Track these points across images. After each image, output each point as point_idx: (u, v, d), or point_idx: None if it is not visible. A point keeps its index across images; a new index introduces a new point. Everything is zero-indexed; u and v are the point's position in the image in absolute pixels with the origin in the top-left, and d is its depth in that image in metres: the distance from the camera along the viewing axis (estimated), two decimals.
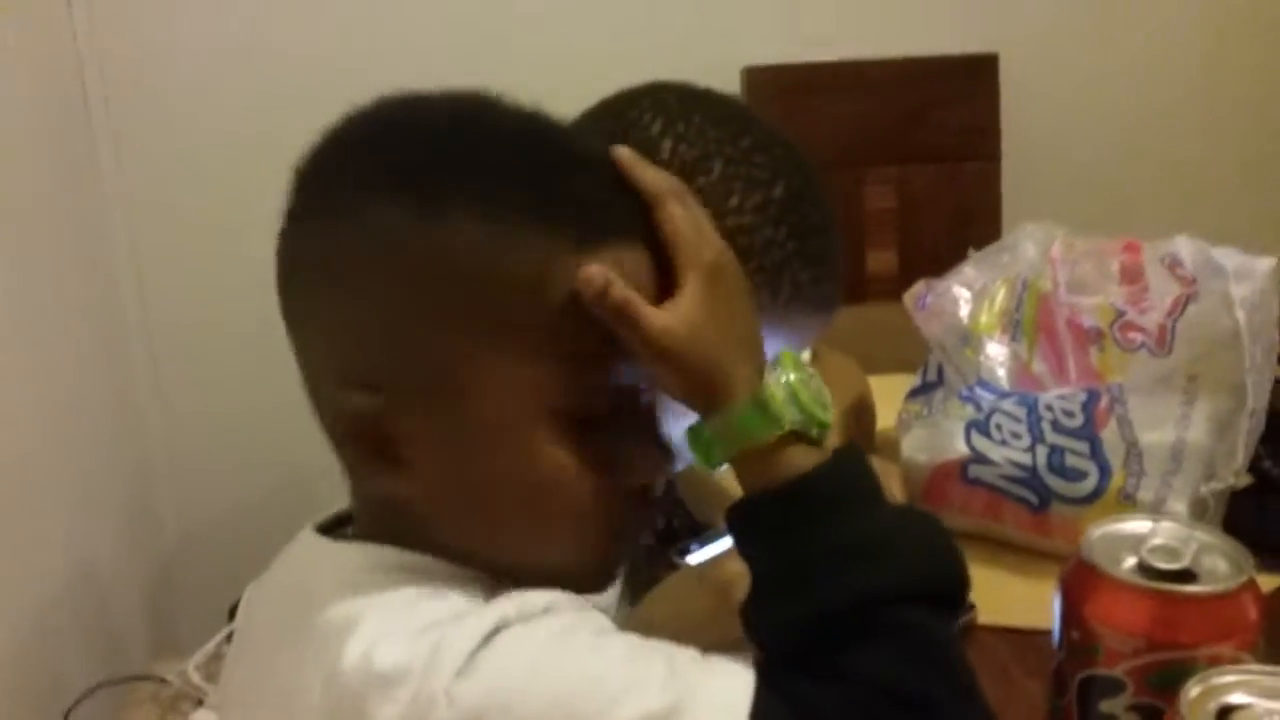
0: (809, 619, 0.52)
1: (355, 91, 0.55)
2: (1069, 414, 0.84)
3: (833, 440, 0.98)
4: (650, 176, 0.56)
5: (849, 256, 2.37)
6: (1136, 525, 0.59)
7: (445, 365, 0.52)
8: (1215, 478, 0.81)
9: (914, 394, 0.96)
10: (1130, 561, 0.57)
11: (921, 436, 0.92)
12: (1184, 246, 0.79)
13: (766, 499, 0.54)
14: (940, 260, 0.96)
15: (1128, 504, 0.82)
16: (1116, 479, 0.83)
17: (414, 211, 0.51)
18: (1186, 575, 0.56)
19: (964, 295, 0.86)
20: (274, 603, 0.57)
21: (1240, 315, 0.77)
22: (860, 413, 1.03)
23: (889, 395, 1.01)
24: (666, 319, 0.53)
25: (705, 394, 0.54)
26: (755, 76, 1.89)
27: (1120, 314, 0.78)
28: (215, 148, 1.63)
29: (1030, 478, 0.86)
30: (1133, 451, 0.83)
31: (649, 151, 0.69)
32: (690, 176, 0.68)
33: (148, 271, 1.61)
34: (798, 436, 0.53)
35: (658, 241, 0.55)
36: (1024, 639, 0.77)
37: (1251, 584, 0.55)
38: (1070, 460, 0.85)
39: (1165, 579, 0.56)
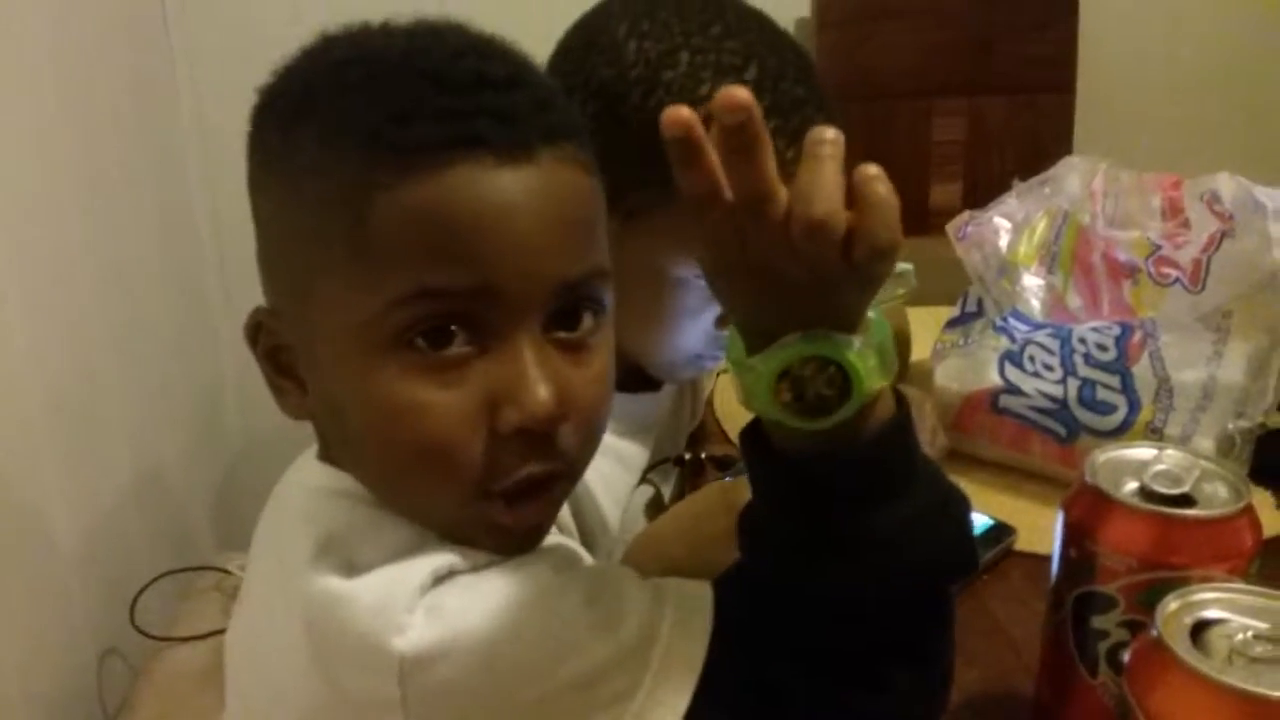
0: (810, 591, 0.51)
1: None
2: (1102, 347, 0.85)
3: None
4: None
5: (913, 189, 2.32)
6: (1141, 451, 0.60)
7: (297, 285, 0.52)
8: (1244, 416, 0.81)
9: (952, 324, 0.96)
10: (1132, 485, 0.58)
11: (956, 366, 0.93)
12: (1224, 183, 0.79)
13: (799, 464, 0.51)
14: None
15: (1154, 438, 0.83)
16: (1145, 413, 0.83)
17: (280, 133, 0.52)
18: (1186, 500, 0.57)
19: (1005, 226, 0.87)
20: (270, 507, 0.59)
21: (1278, 254, 0.76)
22: (895, 344, 1.04)
23: (933, 326, 1.02)
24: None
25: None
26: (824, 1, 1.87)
27: (1156, 248, 0.78)
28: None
29: (1060, 409, 0.87)
30: (1163, 387, 0.83)
31: (615, 55, 0.72)
32: (657, 72, 0.69)
33: (220, 184, 1.65)
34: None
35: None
36: (1042, 564, 0.79)
37: (1248, 511, 0.56)
38: (1101, 394, 0.85)
39: (1164, 503, 0.57)
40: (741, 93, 0.44)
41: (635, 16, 0.74)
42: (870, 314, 0.50)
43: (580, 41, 0.75)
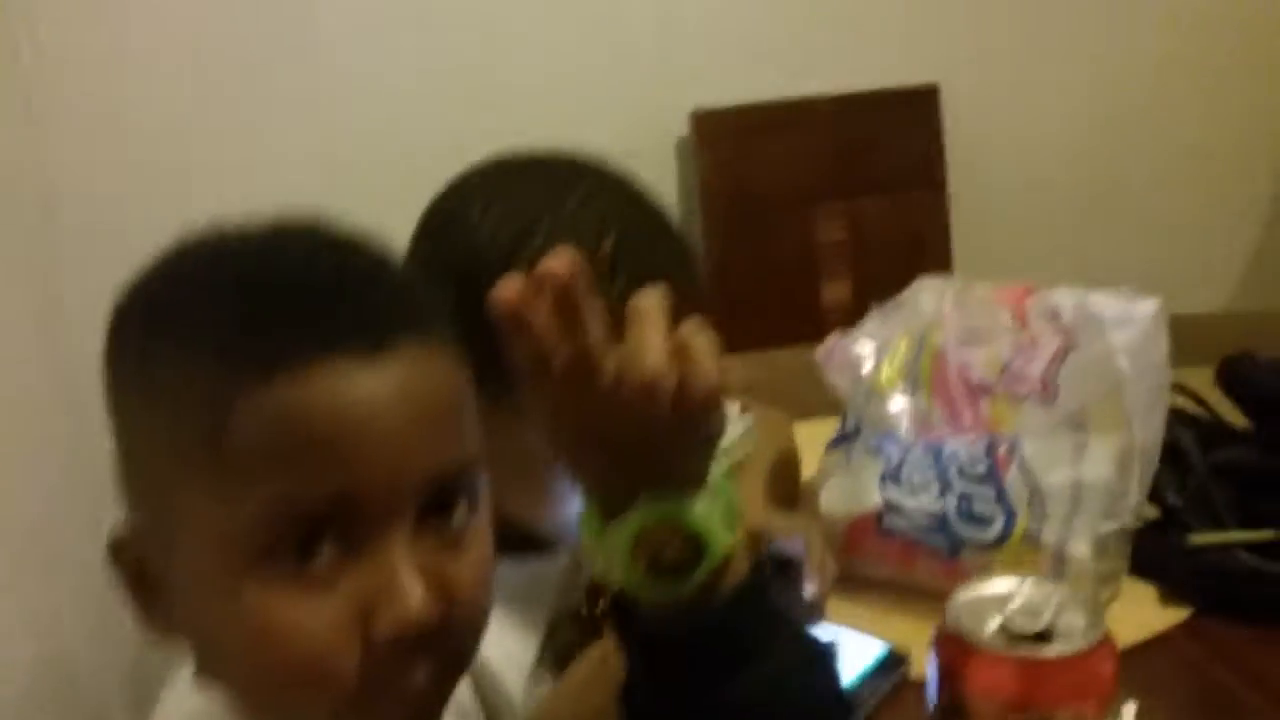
0: None
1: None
2: (974, 461, 0.86)
3: (753, 500, 1.00)
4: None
5: (803, 291, 2.36)
6: (1001, 585, 0.61)
7: (157, 501, 0.50)
8: (1114, 517, 0.83)
9: (834, 444, 0.98)
10: (994, 623, 0.59)
11: (840, 488, 0.94)
12: (1063, 297, 0.82)
13: (671, 634, 0.52)
14: (893, 290, 0.97)
15: (1030, 547, 0.84)
16: (1021, 522, 0.85)
17: (136, 344, 0.51)
18: (1046, 635, 0.58)
19: (868, 350, 0.89)
20: None
21: (1122, 362, 0.79)
22: (783, 468, 1.05)
23: (823, 441, 1.03)
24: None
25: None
26: (702, 119, 1.93)
27: (1006, 366, 0.81)
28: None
29: (941, 526, 0.88)
30: (1035, 495, 0.85)
31: (471, 237, 0.71)
32: (513, 251, 0.69)
33: None
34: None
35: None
36: None
37: (1105, 641, 0.58)
38: (978, 506, 0.87)
39: (1026, 640, 0.58)
40: (565, 257, 0.46)
41: (490, 194, 0.74)
42: (715, 474, 0.52)
43: (437, 224, 0.75)
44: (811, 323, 1.97)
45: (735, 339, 2.10)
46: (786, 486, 1.05)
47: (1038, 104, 2.02)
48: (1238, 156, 2.09)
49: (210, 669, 0.54)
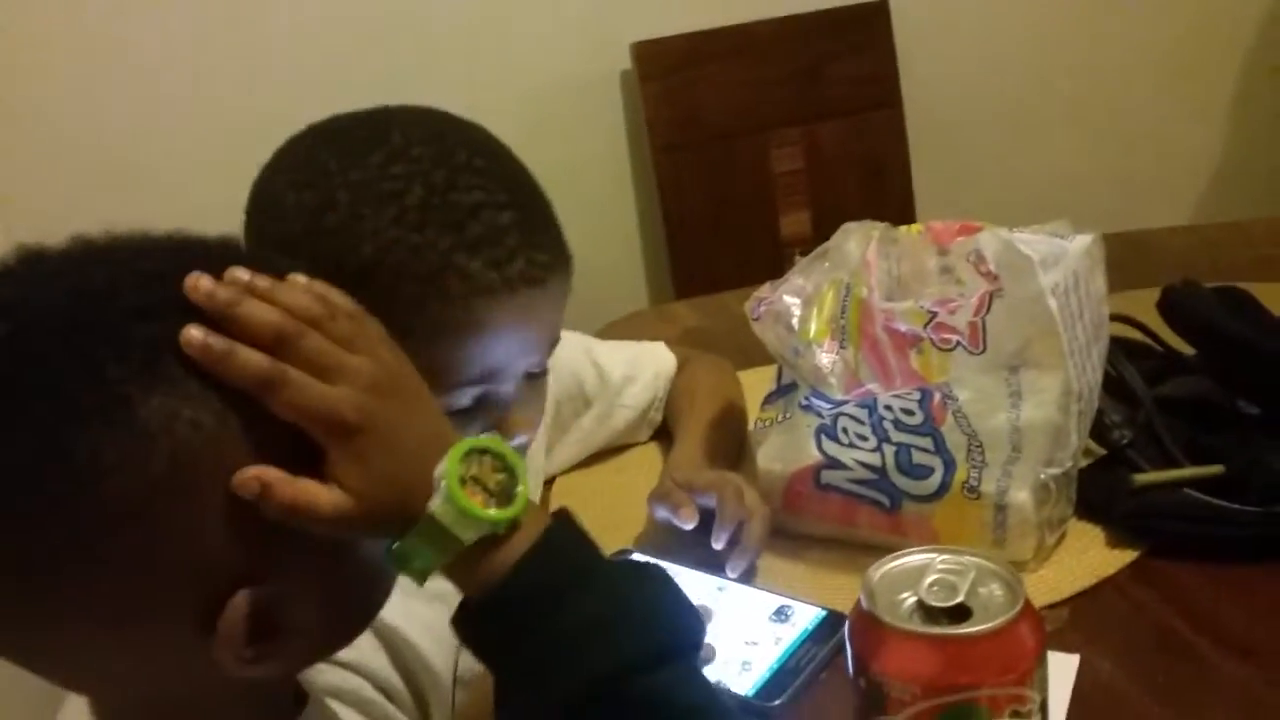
0: (554, 713, 0.51)
1: None
2: (908, 412, 0.83)
3: (691, 455, 0.97)
4: (239, 370, 0.47)
5: (764, 222, 2.30)
6: (915, 559, 0.58)
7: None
8: (1054, 463, 0.80)
9: (769, 400, 0.94)
10: (909, 601, 0.56)
11: (777, 444, 0.91)
12: (987, 242, 0.77)
13: (476, 609, 0.52)
14: (855, 215, 0.91)
15: (972, 497, 0.81)
16: (960, 473, 0.82)
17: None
18: (963, 611, 0.55)
19: (794, 303, 0.85)
20: None
21: (1052, 303, 0.75)
22: (725, 422, 1.02)
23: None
24: (337, 498, 0.49)
25: (391, 527, 0.51)
26: (644, 50, 1.86)
27: (932, 315, 0.77)
28: None
29: (880, 479, 0.85)
30: (973, 443, 0.81)
31: (279, 212, 0.72)
32: (318, 219, 0.69)
33: None
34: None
35: None
36: None
37: (1026, 611, 0.55)
38: (916, 457, 0.84)
39: (942, 617, 0.55)
40: (206, 283, 0.48)
41: (294, 167, 0.74)
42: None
43: (250, 206, 0.75)
44: (772, 256, 1.93)
45: (693, 278, 2.06)
46: (730, 439, 1.02)
47: (991, 16, 1.95)
48: (1199, 66, 2.04)
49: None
